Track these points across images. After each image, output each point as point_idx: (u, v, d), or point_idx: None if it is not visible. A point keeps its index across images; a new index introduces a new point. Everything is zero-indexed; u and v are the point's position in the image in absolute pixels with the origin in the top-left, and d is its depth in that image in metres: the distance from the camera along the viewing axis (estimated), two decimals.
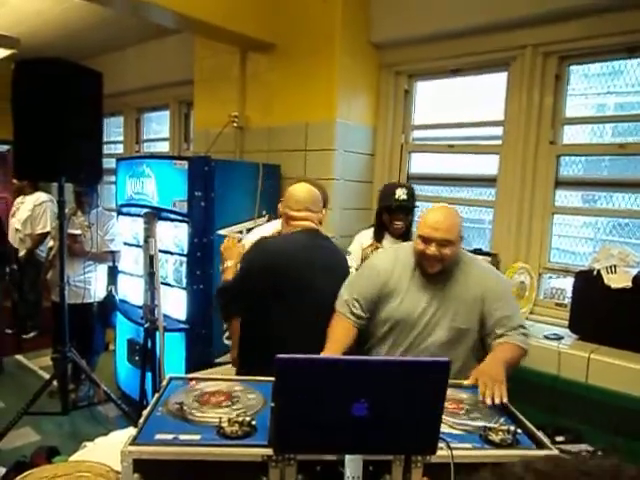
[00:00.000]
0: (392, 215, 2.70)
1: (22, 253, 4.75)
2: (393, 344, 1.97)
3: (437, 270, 1.89)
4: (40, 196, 4.88)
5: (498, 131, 3.39)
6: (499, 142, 3.37)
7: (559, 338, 2.73)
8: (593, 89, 3.16)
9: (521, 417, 1.62)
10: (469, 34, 3.30)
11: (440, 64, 3.58)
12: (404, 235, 2.71)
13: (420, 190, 3.83)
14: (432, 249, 1.84)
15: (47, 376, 3.69)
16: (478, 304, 1.89)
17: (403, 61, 3.73)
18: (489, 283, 1.92)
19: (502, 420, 1.58)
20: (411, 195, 2.72)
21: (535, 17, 3.02)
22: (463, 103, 3.62)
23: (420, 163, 3.83)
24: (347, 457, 1.28)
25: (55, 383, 3.39)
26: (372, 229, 2.88)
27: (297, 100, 3.69)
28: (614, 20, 2.79)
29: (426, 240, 1.86)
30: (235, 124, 4.04)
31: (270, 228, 2.68)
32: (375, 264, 2.06)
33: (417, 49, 3.59)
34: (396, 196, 2.61)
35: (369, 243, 2.82)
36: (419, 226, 1.93)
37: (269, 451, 1.33)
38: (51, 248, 3.84)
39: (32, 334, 5.10)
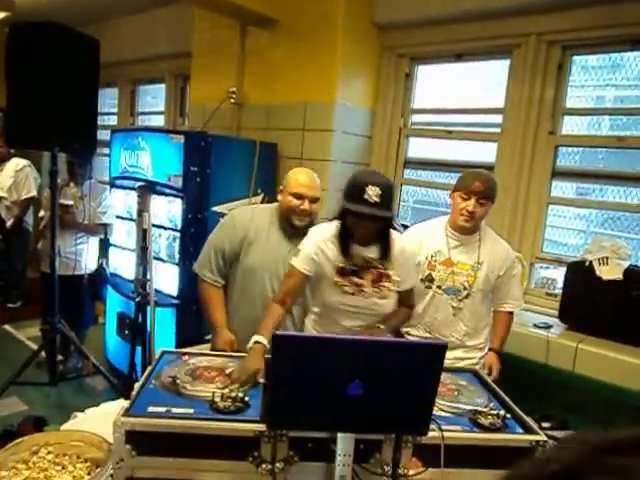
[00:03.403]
0: (359, 220, 1.85)
1: (10, 221, 4.68)
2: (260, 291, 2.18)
3: (305, 224, 2.13)
4: (19, 161, 4.77)
5: (497, 119, 3.37)
6: (498, 130, 3.36)
7: (548, 327, 2.77)
8: (592, 81, 3.15)
9: (510, 402, 1.64)
10: (473, 19, 3.27)
11: (442, 48, 3.55)
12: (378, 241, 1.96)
13: (417, 175, 3.83)
14: (305, 205, 2.12)
15: (35, 347, 3.68)
16: None
17: (405, 44, 3.68)
18: None
19: (492, 405, 1.61)
20: (386, 196, 1.80)
21: (541, 5, 2.99)
22: (464, 89, 3.60)
23: (418, 148, 3.81)
24: (339, 435, 1.29)
25: (43, 354, 3.38)
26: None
27: (297, 79, 3.64)
28: (620, 11, 2.77)
29: (300, 197, 2.12)
30: (232, 100, 3.98)
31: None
32: (234, 218, 2.28)
33: (420, 32, 3.54)
34: (365, 196, 1.77)
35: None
36: (291, 185, 2.16)
37: (261, 427, 1.33)
38: (42, 218, 3.78)
39: (19, 303, 5.06)
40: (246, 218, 2.24)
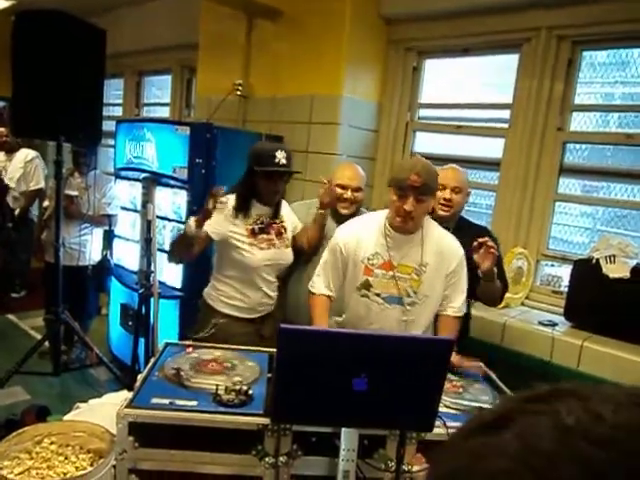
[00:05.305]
0: (273, 182, 2.23)
1: (17, 211, 4.68)
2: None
3: (350, 211, 2.42)
4: (28, 152, 4.77)
5: (505, 114, 3.34)
6: (506, 125, 3.33)
7: (553, 325, 2.74)
8: (600, 78, 3.12)
9: None
10: (482, 13, 3.22)
11: (451, 42, 3.50)
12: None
13: None
14: (349, 194, 2.42)
15: (39, 337, 3.69)
16: None
17: (413, 37, 3.64)
18: None
19: (497, 401, 1.60)
20: (290, 158, 2.26)
21: None
22: (471, 84, 3.56)
23: (424, 142, 3.78)
24: (343, 430, 1.28)
25: (47, 344, 3.39)
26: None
27: (303, 71, 3.62)
28: (631, 6, 2.73)
29: (343, 187, 2.42)
30: (238, 92, 3.95)
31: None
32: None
33: (428, 25, 3.50)
34: (276, 160, 2.18)
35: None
36: (335, 177, 2.44)
37: (265, 420, 1.33)
38: (46, 208, 3.79)
39: (22, 293, 5.08)
40: (303, 213, 2.53)
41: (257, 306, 2.32)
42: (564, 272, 3.09)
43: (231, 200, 2.23)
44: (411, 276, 1.92)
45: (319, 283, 2.05)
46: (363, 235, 1.98)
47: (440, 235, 2.00)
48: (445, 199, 2.28)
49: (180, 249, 2.26)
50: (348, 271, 2.01)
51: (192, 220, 2.10)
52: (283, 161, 2.19)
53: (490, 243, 1.90)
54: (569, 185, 3.18)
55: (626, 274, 2.57)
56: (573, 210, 3.22)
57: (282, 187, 2.32)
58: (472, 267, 1.98)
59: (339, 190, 2.42)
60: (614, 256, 2.63)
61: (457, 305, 1.99)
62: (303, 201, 2.79)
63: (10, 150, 4.74)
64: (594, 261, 2.68)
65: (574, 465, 0.29)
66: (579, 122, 3.14)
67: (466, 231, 2.23)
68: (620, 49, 2.98)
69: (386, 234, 1.95)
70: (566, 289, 2.92)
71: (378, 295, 1.94)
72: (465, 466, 0.34)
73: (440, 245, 1.96)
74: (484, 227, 2.62)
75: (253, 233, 2.23)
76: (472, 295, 2.19)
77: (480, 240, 1.91)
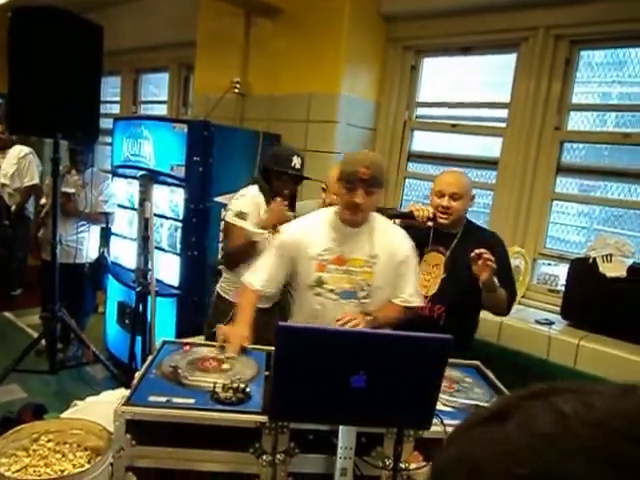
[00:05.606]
0: (284, 182, 2.49)
1: (12, 208, 4.66)
2: None
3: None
4: (22, 149, 4.74)
5: (503, 113, 3.35)
6: (503, 124, 3.33)
7: (550, 323, 2.75)
8: (597, 78, 3.12)
9: None
10: (480, 12, 3.23)
11: (449, 41, 3.51)
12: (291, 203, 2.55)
13: (421, 169, 3.81)
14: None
15: (35, 335, 3.68)
16: None
17: (411, 36, 3.65)
18: None
19: (493, 400, 1.60)
20: (303, 165, 2.56)
21: None
22: (469, 82, 3.57)
23: (422, 141, 3.79)
24: (341, 428, 1.28)
25: (43, 342, 3.38)
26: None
27: (301, 69, 3.61)
28: (629, 6, 2.73)
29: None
30: (236, 90, 3.95)
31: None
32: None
33: (426, 24, 3.51)
34: (292, 164, 2.47)
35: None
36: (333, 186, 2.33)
37: (263, 418, 1.33)
38: (43, 205, 3.77)
39: (19, 291, 5.06)
40: (299, 214, 2.65)
41: (271, 296, 2.30)
42: (561, 271, 3.10)
43: (254, 192, 2.46)
44: (363, 269, 1.90)
45: (257, 278, 1.96)
46: (312, 232, 1.94)
47: (388, 227, 2.00)
48: (443, 207, 2.18)
49: (250, 257, 2.35)
50: (299, 269, 1.94)
51: (267, 230, 2.37)
52: (298, 166, 2.46)
53: (487, 255, 1.85)
54: (566, 184, 3.19)
55: (623, 273, 2.58)
56: (570, 209, 3.23)
57: (294, 189, 2.54)
58: (474, 277, 1.95)
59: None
60: (611, 255, 2.64)
61: (405, 296, 1.96)
62: (301, 201, 2.79)
63: (4, 147, 4.71)
64: (591, 260, 2.69)
65: (574, 444, 0.32)
66: (576, 121, 3.15)
67: (474, 236, 2.20)
68: (617, 49, 2.99)
69: (334, 228, 1.93)
70: (563, 288, 2.93)
71: (332, 291, 1.90)
72: (468, 453, 0.36)
73: (388, 237, 1.95)
74: (492, 232, 2.49)
75: (273, 226, 2.40)
76: (479, 305, 2.18)
77: (477, 251, 1.88)
